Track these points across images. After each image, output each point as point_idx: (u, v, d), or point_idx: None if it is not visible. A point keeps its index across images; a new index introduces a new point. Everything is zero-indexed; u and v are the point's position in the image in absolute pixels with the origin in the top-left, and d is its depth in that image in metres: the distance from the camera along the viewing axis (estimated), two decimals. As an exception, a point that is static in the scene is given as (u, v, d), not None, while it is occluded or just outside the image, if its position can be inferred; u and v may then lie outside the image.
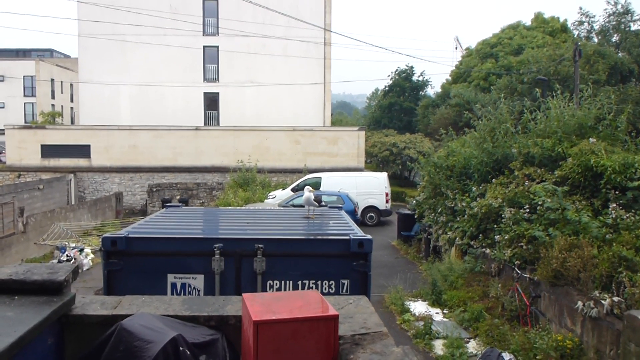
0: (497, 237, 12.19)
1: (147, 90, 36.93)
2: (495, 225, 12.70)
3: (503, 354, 8.65)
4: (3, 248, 20.15)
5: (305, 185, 20.97)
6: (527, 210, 11.72)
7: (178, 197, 30.01)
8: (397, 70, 54.45)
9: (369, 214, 25.27)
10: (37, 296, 3.17)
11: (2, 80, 60.05)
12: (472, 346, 10.14)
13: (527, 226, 11.26)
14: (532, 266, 10.69)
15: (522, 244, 11.16)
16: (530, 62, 32.80)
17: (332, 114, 44.87)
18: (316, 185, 24.36)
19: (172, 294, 5.68)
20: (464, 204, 14.43)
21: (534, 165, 13.33)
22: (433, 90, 57.43)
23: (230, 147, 33.76)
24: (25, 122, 53.90)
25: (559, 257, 9.40)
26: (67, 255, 18.72)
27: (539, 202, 11.28)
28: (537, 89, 20.76)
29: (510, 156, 14.33)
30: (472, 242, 13.82)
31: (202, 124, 37.22)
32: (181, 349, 2.91)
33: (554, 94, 15.76)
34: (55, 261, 18.51)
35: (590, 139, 12.65)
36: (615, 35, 35.33)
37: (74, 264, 3.61)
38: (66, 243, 20.25)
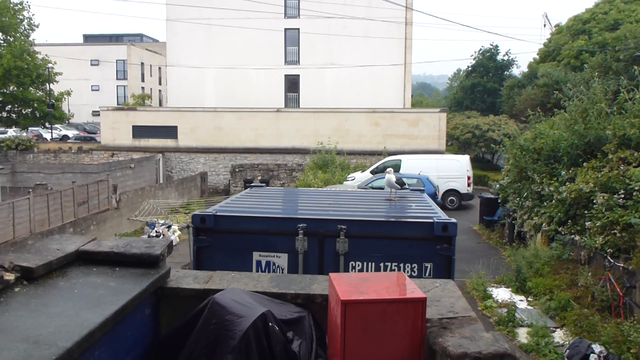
0: (587, 223, 11.65)
1: (230, 73, 37.83)
2: (585, 211, 12.11)
3: (593, 346, 8.28)
4: (99, 222, 21.49)
5: (385, 167, 20.85)
6: (622, 195, 11.11)
7: (259, 178, 30.69)
8: (480, 49, 52.62)
9: (449, 198, 24.77)
10: (136, 268, 3.35)
11: (97, 64, 63.55)
12: (559, 336, 9.77)
13: (621, 212, 10.67)
14: (627, 255, 10.13)
15: (615, 231, 10.60)
16: (627, 38, 30.63)
17: (412, 96, 44.10)
18: (396, 167, 24.08)
19: (257, 271, 5.84)
20: (551, 189, 13.85)
21: (630, 148, 12.56)
22: (519, 70, 54.89)
23: (310, 129, 34.03)
24: (118, 104, 56.73)
25: (658, 247, 8.85)
26: (156, 231, 19.67)
27: (636, 188, 10.64)
28: (635, 67, 19.36)
29: (604, 138, 13.56)
30: (559, 229, 13.26)
31: (283, 106, 37.72)
32: (270, 324, 2.98)
33: (655, 71, 14.68)
34: (145, 236, 19.49)
35: (696, 120, 11.74)
36: None
37: (167, 240, 3.78)
38: (155, 219, 21.26)
